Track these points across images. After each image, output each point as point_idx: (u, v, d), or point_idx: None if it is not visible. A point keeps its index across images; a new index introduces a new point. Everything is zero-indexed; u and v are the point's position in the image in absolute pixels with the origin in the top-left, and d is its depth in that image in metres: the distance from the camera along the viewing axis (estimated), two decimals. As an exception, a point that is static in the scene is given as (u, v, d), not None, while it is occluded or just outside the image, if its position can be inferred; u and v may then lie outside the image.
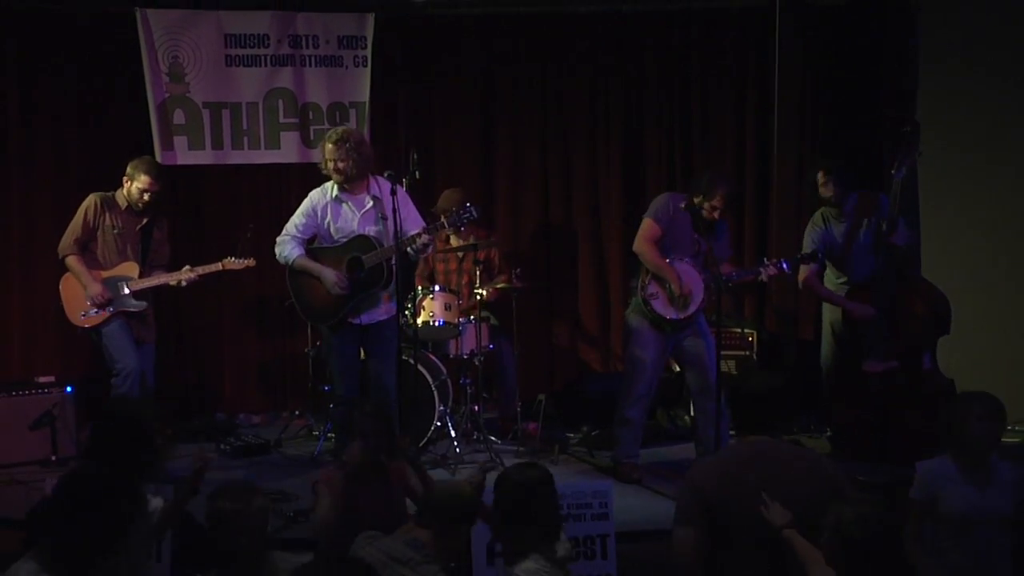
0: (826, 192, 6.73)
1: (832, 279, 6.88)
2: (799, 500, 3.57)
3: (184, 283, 6.65)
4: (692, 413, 6.71)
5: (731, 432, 6.45)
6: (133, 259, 6.58)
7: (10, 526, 5.59)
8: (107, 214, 6.55)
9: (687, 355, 6.41)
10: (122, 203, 6.58)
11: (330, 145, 6.09)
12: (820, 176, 6.74)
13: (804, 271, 6.81)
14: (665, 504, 5.98)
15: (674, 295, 6.21)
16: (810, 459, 3.87)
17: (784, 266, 6.42)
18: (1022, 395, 7.09)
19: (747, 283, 6.82)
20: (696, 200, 6.26)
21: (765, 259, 6.54)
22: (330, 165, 6.10)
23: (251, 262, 6.81)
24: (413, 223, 6.15)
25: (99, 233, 6.56)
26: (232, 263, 6.75)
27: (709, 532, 3.61)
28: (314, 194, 6.25)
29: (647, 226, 6.35)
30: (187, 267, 6.65)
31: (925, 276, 7.16)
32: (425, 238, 6.00)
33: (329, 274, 6.08)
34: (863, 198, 6.80)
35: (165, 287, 6.75)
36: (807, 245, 6.81)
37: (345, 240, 6.14)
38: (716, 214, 6.28)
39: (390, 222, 5.92)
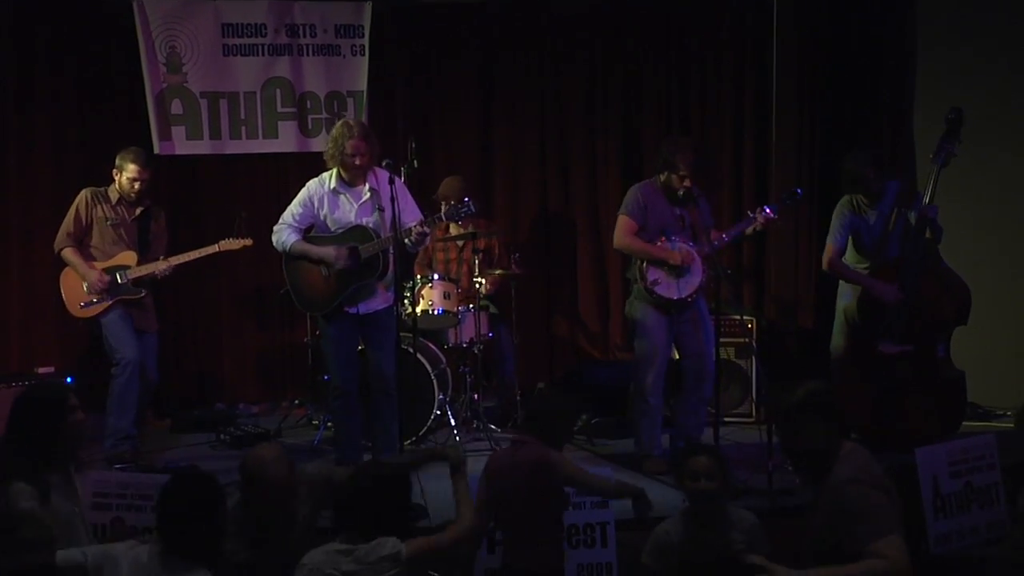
0: (876, 187, 6.58)
1: (852, 264, 6.79)
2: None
3: (159, 275, 6.63)
4: (669, 400, 6.65)
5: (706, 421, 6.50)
6: (130, 248, 6.60)
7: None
8: (99, 206, 6.59)
9: (685, 340, 6.41)
10: (114, 197, 6.62)
11: (355, 141, 5.99)
12: (871, 172, 6.62)
13: (829, 251, 6.70)
14: (665, 491, 5.99)
15: (675, 268, 6.21)
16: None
17: (768, 211, 6.35)
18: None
19: (743, 236, 6.71)
20: (662, 178, 6.27)
21: (749, 212, 6.50)
22: (350, 160, 6.04)
23: (248, 241, 6.83)
24: (410, 214, 6.13)
25: (94, 226, 6.59)
26: (228, 244, 6.77)
27: None
28: (311, 184, 6.23)
29: (622, 222, 6.35)
30: (161, 257, 6.65)
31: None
32: (422, 230, 5.98)
33: (330, 250, 6.06)
34: (904, 188, 6.74)
35: (163, 278, 6.75)
36: (834, 226, 6.67)
37: (342, 231, 6.12)
38: (687, 182, 6.24)
39: (387, 213, 5.90)
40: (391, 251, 5.99)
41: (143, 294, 6.62)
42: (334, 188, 6.15)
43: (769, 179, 8.14)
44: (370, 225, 6.07)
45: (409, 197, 6.26)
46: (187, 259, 6.72)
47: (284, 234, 6.21)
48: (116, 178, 6.58)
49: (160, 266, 6.59)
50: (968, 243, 7.30)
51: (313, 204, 6.18)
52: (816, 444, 3.80)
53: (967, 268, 6.67)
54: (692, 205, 6.28)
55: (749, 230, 6.47)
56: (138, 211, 6.66)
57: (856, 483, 3.65)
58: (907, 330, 6.37)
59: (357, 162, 6.03)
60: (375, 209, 6.06)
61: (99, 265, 6.56)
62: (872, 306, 6.49)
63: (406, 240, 5.96)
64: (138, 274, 6.57)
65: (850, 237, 6.70)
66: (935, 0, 7.79)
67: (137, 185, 6.56)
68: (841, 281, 6.80)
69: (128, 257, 6.59)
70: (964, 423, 6.66)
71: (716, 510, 4.21)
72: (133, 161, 6.56)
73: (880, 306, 6.43)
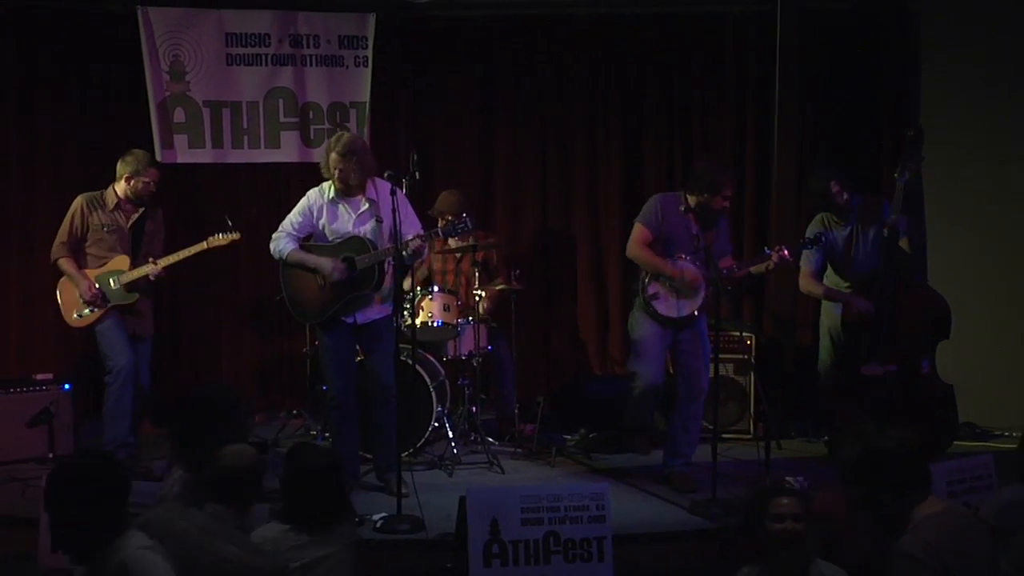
0: (841, 200, 6.69)
1: (834, 284, 6.85)
2: (995, 566, 3.41)
3: (152, 277, 6.62)
4: (668, 415, 6.64)
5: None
6: (123, 253, 6.60)
7: (8, 524, 5.61)
8: (95, 213, 6.59)
9: (681, 358, 6.39)
10: (111, 201, 6.61)
11: (335, 155, 6.04)
12: (835, 186, 6.69)
13: (804, 273, 6.79)
14: (662, 507, 6.00)
15: (678, 288, 6.19)
16: (981, 521, 3.64)
17: (785, 252, 6.34)
18: (1021, 401, 7.15)
19: (753, 274, 6.68)
20: (703, 198, 6.24)
21: (767, 248, 6.50)
22: (335, 174, 6.07)
23: (236, 236, 6.82)
24: (411, 227, 6.14)
25: (90, 234, 6.59)
26: (217, 240, 6.77)
27: None
28: (311, 193, 6.25)
29: (637, 230, 6.34)
30: (150, 259, 6.65)
31: (929, 282, 7.17)
32: (419, 244, 5.98)
33: (326, 262, 6.07)
34: (867, 202, 6.79)
35: (162, 285, 6.75)
36: (808, 251, 6.78)
37: (339, 240, 6.14)
38: (727, 203, 6.29)
39: (386, 224, 5.92)
40: (388, 263, 6.01)
41: (136, 299, 6.61)
42: (333, 198, 6.16)
43: (770, 195, 8.14)
44: (367, 236, 6.08)
45: (410, 209, 6.28)
46: (176, 259, 6.69)
47: (282, 242, 6.22)
48: (128, 183, 6.56)
49: (149, 269, 6.58)
50: (965, 260, 7.33)
51: (312, 213, 6.20)
52: (873, 507, 3.41)
53: (963, 285, 6.70)
54: (711, 228, 6.29)
55: (763, 267, 6.43)
56: (136, 215, 6.66)
57: (911, 560, 3.22)
58: (889, 350, 6.38)
59: (340, 176, 6.06)
60: (373, 220, 6.08)
61: (93, 272, 6.56)
62: (853, 327, 6.52)
63: (403, 252, 5.96)
64: (130, 278, 6.57)
65: (825, 259, 6.77)
66: (939, 16, 7.81)
67: (153, 187, 6.61)
68: (824, 301, 6.86)
69: (121, 262, 6.59)
70: (961, 443, 6.67)
71: (800, 560, 3.78)
72: (150, 164, 6.62)
73: (861, 327, 6.45)
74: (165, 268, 6.64)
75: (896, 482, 3.38)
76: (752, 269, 6.48)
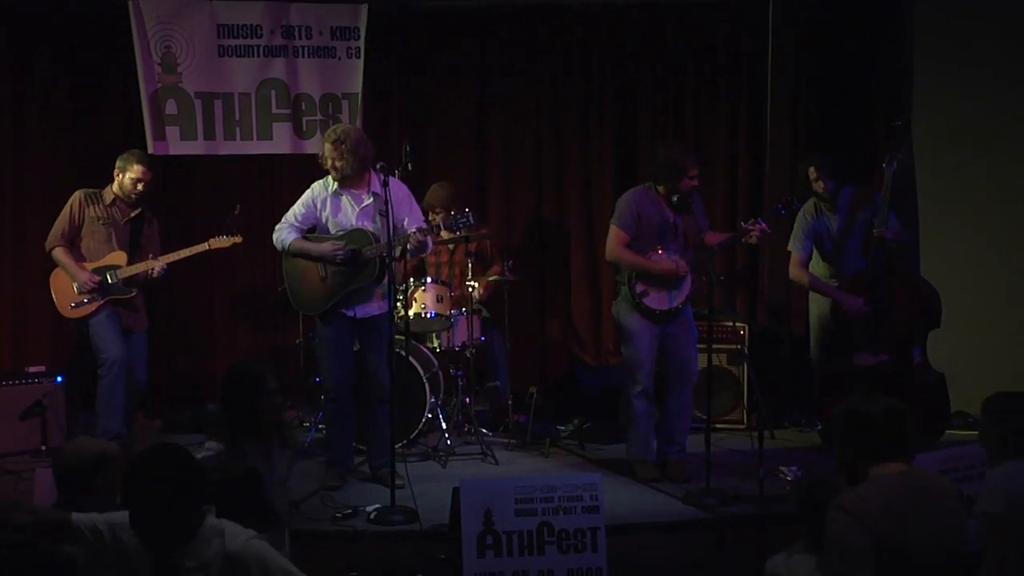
0: (818, 187, 6.75)
1: (822, 274, 6.87)
2: (953, 531, 3.43)
3: (152, 276, 6.62)
4: (661, 404, 6.64)
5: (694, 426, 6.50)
6: (119, 249, 6.60)
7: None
8: (92, 207, 6.60)
9: (671, 345, 6.38)
10: (108, 198, 6.63)
11: (328, 144, 6.07)
12: (812, 172, 6.75)
13: (794, 261, 6.81)
14: (656, 498, 6.01)
15: (666, 280, 6.17)
16: (950, 488, 3.63)
17: (763, 224, 6.30)
18: (1012, 390, 7.16)
19: (734, 246, 6.68)
20: (670, 185, 6.21)
21: (743, 223, 6.47)
22: (328, 163, 6.09)
23: (238, 239, 6.83)
24: (415, 220, 6.15)
25: (85, 226, 6.59)
26: (218, 242, 6.77)
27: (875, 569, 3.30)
28: (315, 186, 6.24)
29: (614, 233, 6.30)
30: (151, 256, 6.64)
31: (923, 272, 7.19)
32: (422, 237, 5.98)
33: (327, 245, 6.08)
34: (858, 194, 6.81)
35: (159, 277, 6.75)
36: (797, 233, 6.80)
37: (342, 233, 6.13)
38: (695, 181, 6.23)
39: (387, 218, 5.92)
40: (387, 255, 6.00)
41: (134, 293, 6.62)
42: (336, 190, 6.16)
43: (763, 190, 8.14)
44: (370, 229, 6.08)
45: (414, 203, 6.29)
46: (177, 258, 6.72)
47: (284, 233, 6.22)
48: (117, 178, 6.59)
49: (152, 264, 6.59)
50: (956, 250, 7.34)
51: (315, 205, 6.19)
52: (850, 468, 3.54)
53: (955, 275, 6.72)
54: (687, 211, 6.26)
55: (743, 240, 6.45)
56: (132, 214, 6.66)
57: (842, 513, 3.34)
58: (882, 339, 6.40)
59: (332, 164, 6.06)
60: (376, 214, 6.07)
61: (89, 266, 6.56)
62: (844, 319, 6.53)
63: (407, 245, 5.96)
64: (129, 273, 6.58)
65: (814, 246, 6.79)
66: (932, 13, 7.81)
67: (140, 186, 6.58)
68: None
69: (118, 257, 6.60)
70: (953, 432, 6.70)
71: None
72: (139, 161, 6.59)
73: (853, 317, 6.47)
74: (167, 266, 6.64)
75: (876, 446, 3.48)
76: (733, 243, 6.48)
